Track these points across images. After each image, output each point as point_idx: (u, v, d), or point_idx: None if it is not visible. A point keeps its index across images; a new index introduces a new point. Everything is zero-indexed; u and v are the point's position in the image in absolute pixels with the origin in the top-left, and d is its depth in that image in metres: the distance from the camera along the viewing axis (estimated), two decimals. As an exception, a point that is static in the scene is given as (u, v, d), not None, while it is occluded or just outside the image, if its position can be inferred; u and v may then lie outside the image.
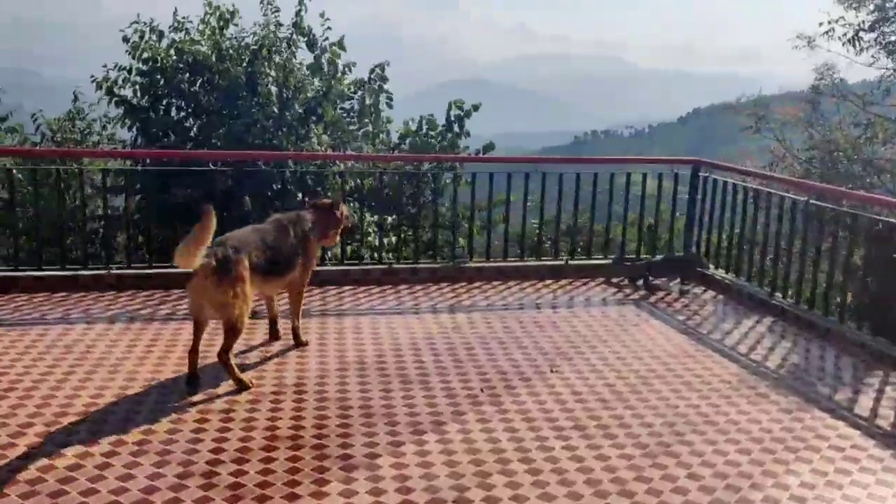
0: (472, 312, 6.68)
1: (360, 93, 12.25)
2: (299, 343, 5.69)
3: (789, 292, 6.85)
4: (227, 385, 4.93)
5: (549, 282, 7.70)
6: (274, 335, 5.82)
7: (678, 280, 7.63)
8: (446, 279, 7.61)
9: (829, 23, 11.45)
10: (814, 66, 12.07)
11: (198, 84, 11.03)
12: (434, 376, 5.20)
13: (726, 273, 7.63)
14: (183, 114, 11.13)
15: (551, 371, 5.35)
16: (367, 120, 12.40)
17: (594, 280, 7.80)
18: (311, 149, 10.96)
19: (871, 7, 10.93)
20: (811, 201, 6.79)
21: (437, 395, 4.89)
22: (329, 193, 9.19)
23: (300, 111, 11.15)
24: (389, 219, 9.82)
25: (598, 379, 5.21)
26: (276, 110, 10.71)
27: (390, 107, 12.48)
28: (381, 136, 12.69)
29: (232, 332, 4.89)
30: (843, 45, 11.30)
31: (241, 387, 4.90)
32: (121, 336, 5.75)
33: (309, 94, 11.39)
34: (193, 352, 4.99)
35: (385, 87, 12.31)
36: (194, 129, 11.10)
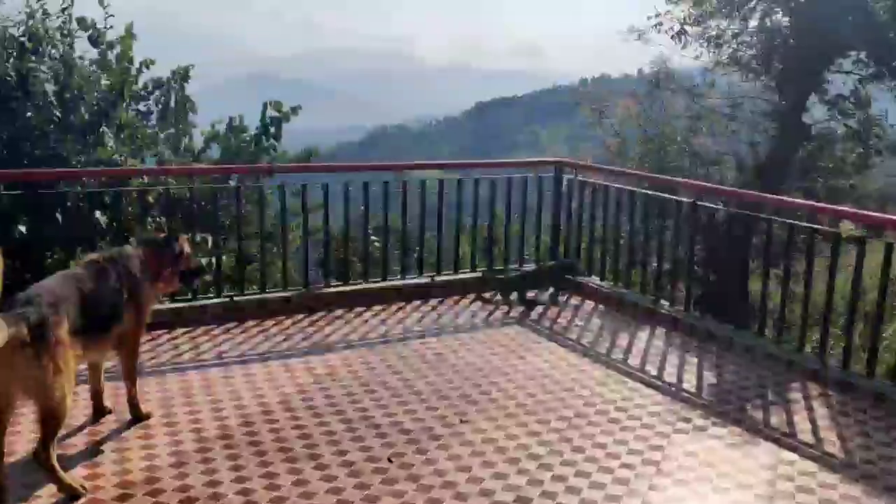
0: (343, 351, 5.66)
1: (157, 93, 10.73)
2: (139, 416, 4.43)
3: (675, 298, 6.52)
4: (49, 493, 3.61)
5: (417, 303, 6.85)
6: (99, 411, 4.50)
7: (551, 290, 7.06)
8: (300, 309, 6.52)
9: (658, 16, 11.63)
10: (649, 59, 12.13)
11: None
12: (324, 446, 4.17)
13: (601, 281, 7.18)
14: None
15: (461, 422, 4.51)
16: (169, 123, 10.91)
17: (465, 297, 7.05)
18: (105, 158, 9.34)
19: (691, 2, 11.17)
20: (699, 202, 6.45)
21: (335, 473, 3.88)
22: (155, 221, 7.71)
23: (86, 115, 9.44)
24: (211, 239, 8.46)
25: (519, 428, 4.44)
26: (57, 114, 8.94)
27: (194, 111, 11.05)
28: (184, 140, 11.23)
29: (53, 420, 3.60)
30: (672, 38, 11.47)
31: (72, 493, 3.62)
32: None
33: (97, 95, 9.69)
34: None
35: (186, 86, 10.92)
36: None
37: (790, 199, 7.58)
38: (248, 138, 11.04)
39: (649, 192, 6.74)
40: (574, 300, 7.00)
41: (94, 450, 4.09)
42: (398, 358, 5.51)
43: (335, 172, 7.51)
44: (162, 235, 4.62)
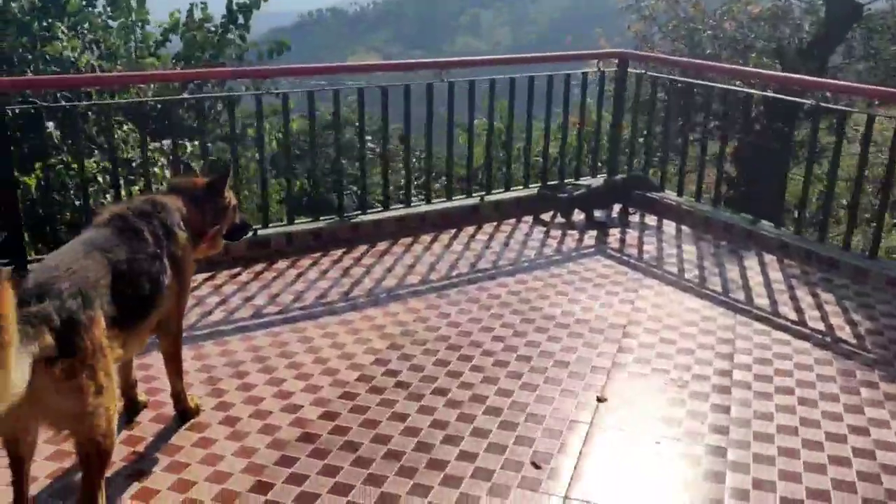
0: (408, 299, 4.58)
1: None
2: (188, 412, 3.34)
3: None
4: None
5: (469, 229, 5.76)
6: (134, 406, 3.38)
7: (621, 208, 6.03)
8: (336, 243, 5.37)
9: None
10: None
11: None
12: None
13: (679, 196, 6.18)
14: None
15: (598, 401, 3.56)
16: (122, 10, 9.23)
17: (520, 220, 5.98)
18: (56, 53, 7.75)
19: None
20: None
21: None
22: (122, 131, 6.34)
23: (34, 1, 7.78)
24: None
25: (673, 405, 3.50)
26: (-2, 1, 7.26)
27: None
28: (138, 30, 9.58)
29: (99, 456, 2.51)
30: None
31: None
32: None
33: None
34: None
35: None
36: None
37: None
38: (212, 28, 9.51)
39: (757, 93, 5.65)
40: (649, 219, 6.00)
41: (139, 466, 3.00)
42: (480, 308, 4.46)
43: (354, 74, 6.16)
44: (206, 181, 3.34)
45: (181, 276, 3.10)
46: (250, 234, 4.51)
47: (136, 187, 6.89)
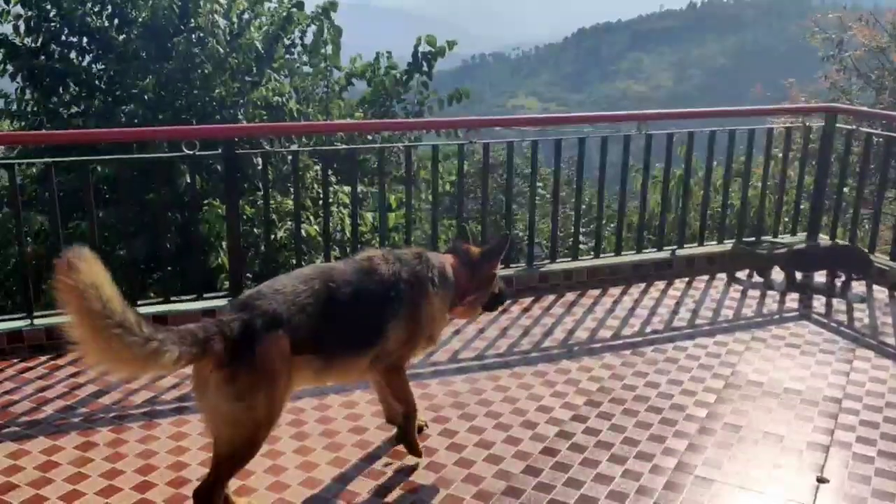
0: (602, 353, 4.51)
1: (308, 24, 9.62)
2: (413, 449, 3.39)
3: None
4: None
5: (660, 284, 5.61)
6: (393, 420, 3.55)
7: (839, 277, 5.61)
8: (524, 291, 5.39)
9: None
10: None
11: (104, 16, 8.11)
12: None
13: (892, 261, 5.73)
14: (89, 57, 8.23)
15: (819, 481, 3.31)
16: (319, 56, 9.82)
17: (712, 276, 5.76)
18: (261, 98, 8.37)
19: None
20: None
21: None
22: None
23: (249, 52, 8.41)
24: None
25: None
26: (221, 50, 7.93)
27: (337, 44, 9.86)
28: (328, 76, 10.15)
29: (227, 461, 2.77)
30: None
31: None
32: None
33: (260, 27, 8.67)
34: None
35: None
36: (105, 76, 8.23)
37: None
38: (398, 76, 9.93)
39: None
40: (856, 285, 5.59)
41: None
42: (679, 369, 4.31)
43: (553, 126, 6.19)
44: (482, 249, 3.46)
45: (414, 327, 3.17)
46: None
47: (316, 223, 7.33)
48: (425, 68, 9.88)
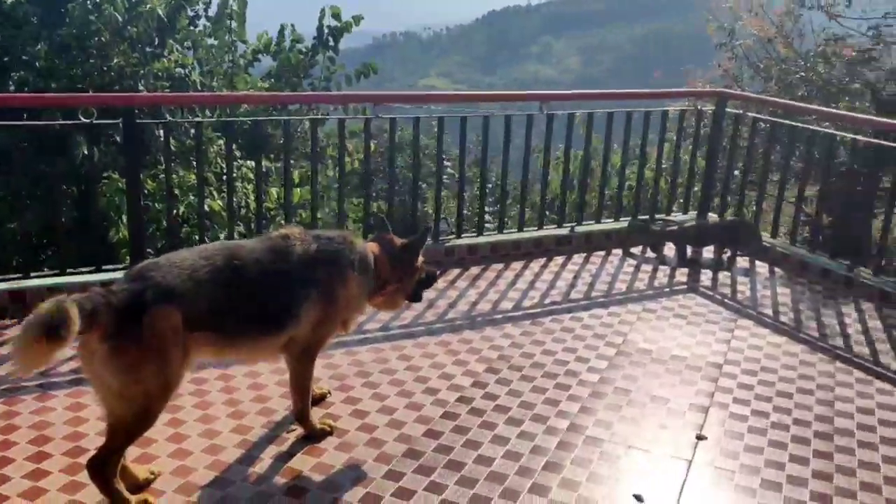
0: (504, 324, 4.66)
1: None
2: (313, 432, 3.39)
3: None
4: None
5: (559, 259, 5.82)
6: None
7: (726, 252, 5.92)
8: (430, 265, 5.46)
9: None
10: None
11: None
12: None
13: (773, 238, 6.11)
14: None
15: (698, 438, 3.56)
16: (224, 29, 9.61)
17: (609, 252, 6.02)
18: (163, 69, 8.16)
19: None
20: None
21: None
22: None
23: (150, 21, 8.15)
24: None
25: (777, 448, 3.48)
26: (119, 18, 7.67)
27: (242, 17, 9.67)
28: (233, 48, 9.95)
29: (118, 433, 2.78)
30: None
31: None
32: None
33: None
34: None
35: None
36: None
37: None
38: (303, 50, 9.83)
39: (861, 139, 5.60)
40: (741, 260, 5.95)
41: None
42: (575, 338, 4.51)
43: (460, 103, 6.29)
44: (404, 242, 3.51)
45: (331, 310, 3.19)
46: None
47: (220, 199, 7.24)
48: (332, 43, 9.82)
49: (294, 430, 3.42)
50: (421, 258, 3.57)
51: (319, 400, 3.62)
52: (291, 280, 3.04)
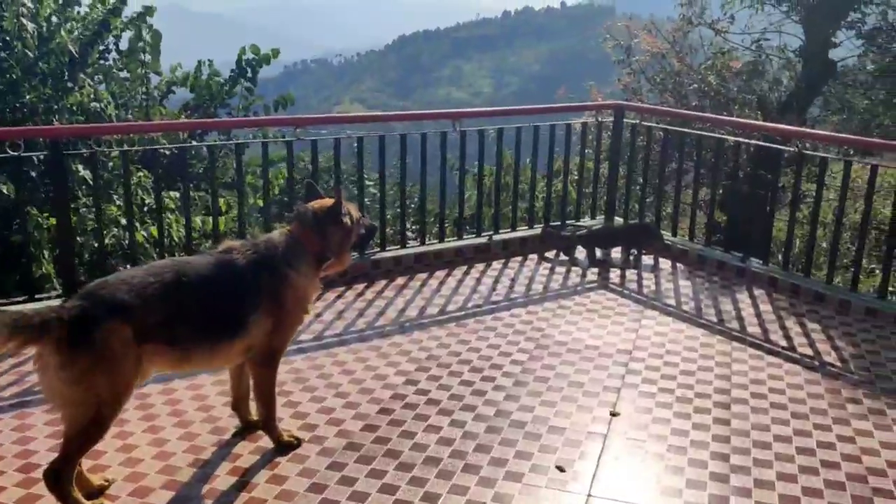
0: (431, 328, 4.97)
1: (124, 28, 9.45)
2: (281, 444, 3.54)
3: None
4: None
5: (479, 266, 6.17)
6: (247, 425, 3.69)
7: (634, 253, 6.38)
8: (358, 278, 5.76)
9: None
10: None
11: None
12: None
13: (673, 236, 6.63)
14: None
15: (612, 415, 3.93)
16: (137, 62, 9.66)
17: (526, 258, 6.41)
18: (77, 103, 8.19)
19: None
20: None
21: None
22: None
23: (61, 56, 8.16)
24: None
25: (681, 418, 3.88)
26: (30, 54, 7.70)
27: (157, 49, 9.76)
28: (146, 83, 10.01)
29: (78, 441, 2.94)
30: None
31: None
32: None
33: (71, 31, 8.44)
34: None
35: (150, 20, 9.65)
36: None
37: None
38: (222, 81, 9.99)
39: (746, 141, 6.16)
40: (646, 258, 6.43)
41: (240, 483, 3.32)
42: (497, 335, 4.85)
43: (372, 123, 6.61)
44: (324, 207, 3.49)
45: (282, 314, 3.34)
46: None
47: (152, 229, 7.32)
48: (249, 75, 10.00)
49: (239, 432, 3.63)
50: (356, 213, 3.63)
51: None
52: (237, 290, 3.24)
